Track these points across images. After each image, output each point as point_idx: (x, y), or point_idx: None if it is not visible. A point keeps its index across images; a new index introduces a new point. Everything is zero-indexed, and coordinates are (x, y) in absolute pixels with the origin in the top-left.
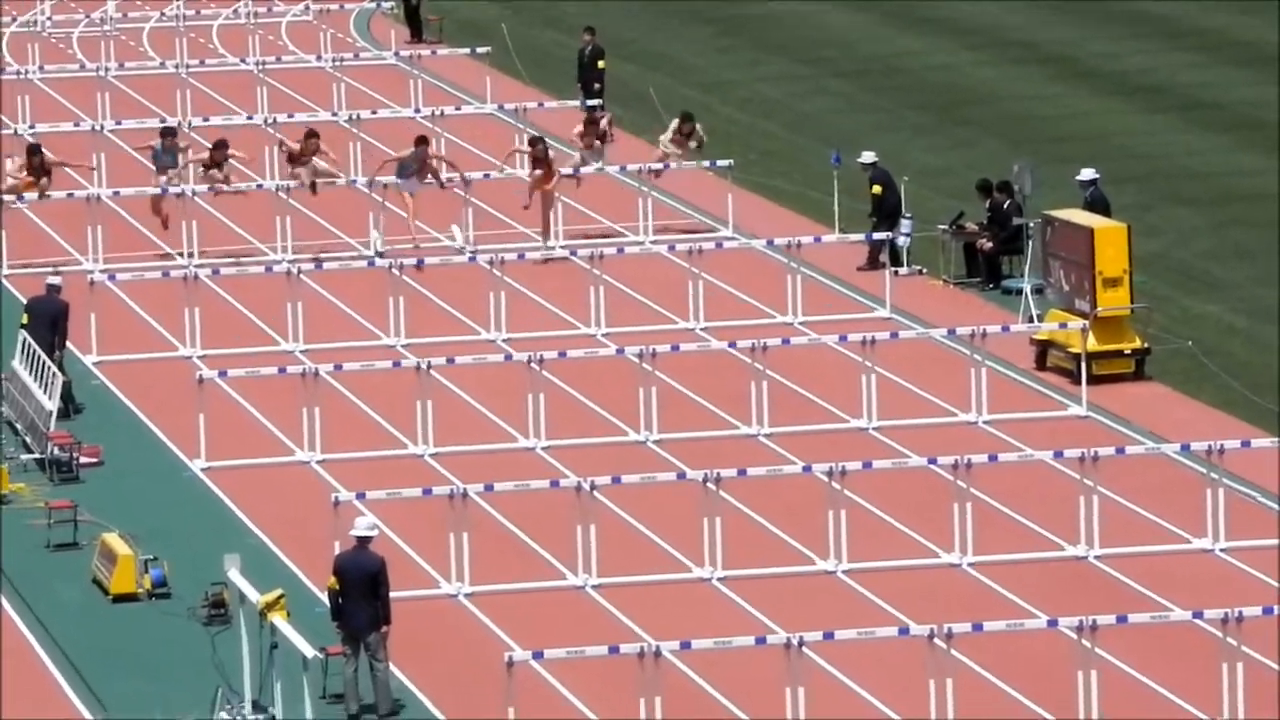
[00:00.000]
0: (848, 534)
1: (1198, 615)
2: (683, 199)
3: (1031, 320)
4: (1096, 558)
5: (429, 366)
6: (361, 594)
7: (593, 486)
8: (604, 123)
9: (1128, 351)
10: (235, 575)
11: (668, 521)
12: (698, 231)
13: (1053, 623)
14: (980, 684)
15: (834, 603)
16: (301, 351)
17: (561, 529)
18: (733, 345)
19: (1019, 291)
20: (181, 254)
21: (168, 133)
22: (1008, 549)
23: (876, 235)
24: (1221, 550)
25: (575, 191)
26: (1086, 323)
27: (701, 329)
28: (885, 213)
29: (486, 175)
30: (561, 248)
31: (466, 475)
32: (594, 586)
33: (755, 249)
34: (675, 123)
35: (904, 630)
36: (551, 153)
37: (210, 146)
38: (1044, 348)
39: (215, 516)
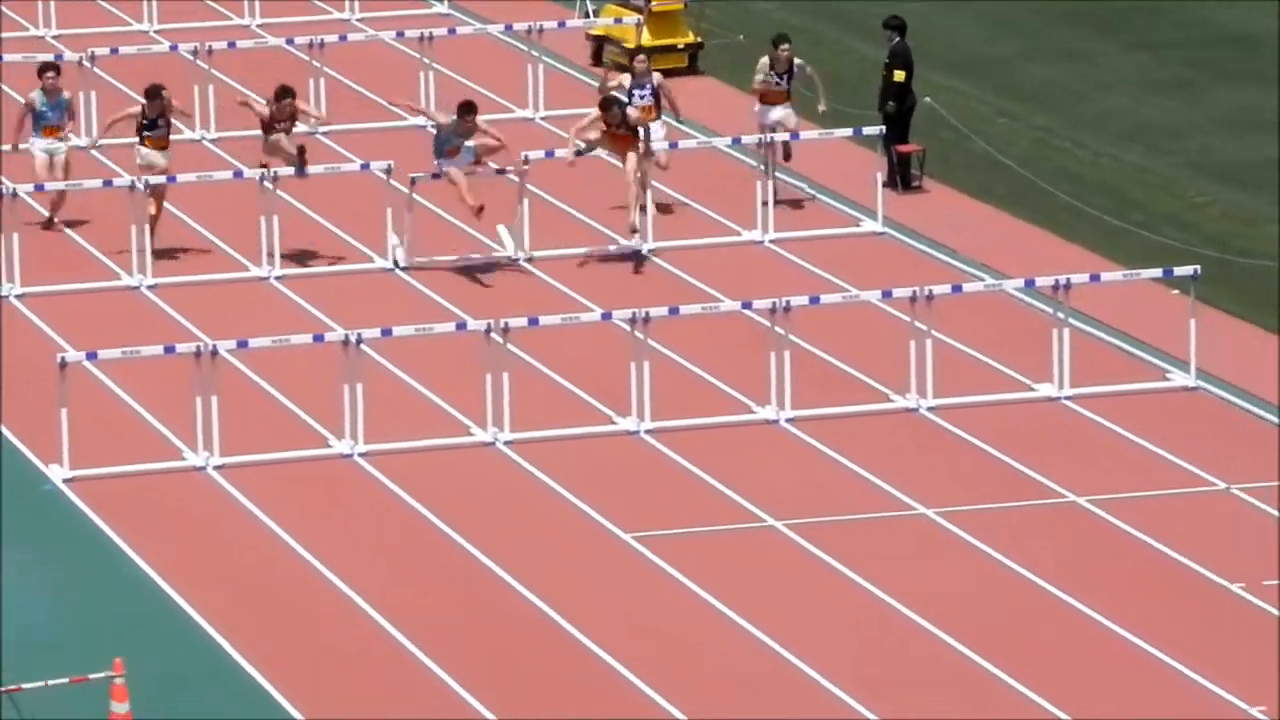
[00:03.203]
0: (409, 231)
1: (746, 305)
2: None
3: (588, 16)
4: (650, 251)
5: None
6: None
7: (147, 186)
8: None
9: (681, 46)
10: None
11: (225, 220)
12: None
13: (607, 315)
14: (536, 376)
15: (393, 299)
16: None
17: (116, 230)
18: (290, 42)
19: None
20: None
21: (48, 70)
22: (564, 244)
23: None
24: (771, 241)
25: None
26: (641, 17)
27: (257, 26)
28: None
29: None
30: None
31: (15, 175)
32: (149, 287)
33: None
34: None
35: (461, 325)
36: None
37: (143, 98)
38: (600, 43)
39: None
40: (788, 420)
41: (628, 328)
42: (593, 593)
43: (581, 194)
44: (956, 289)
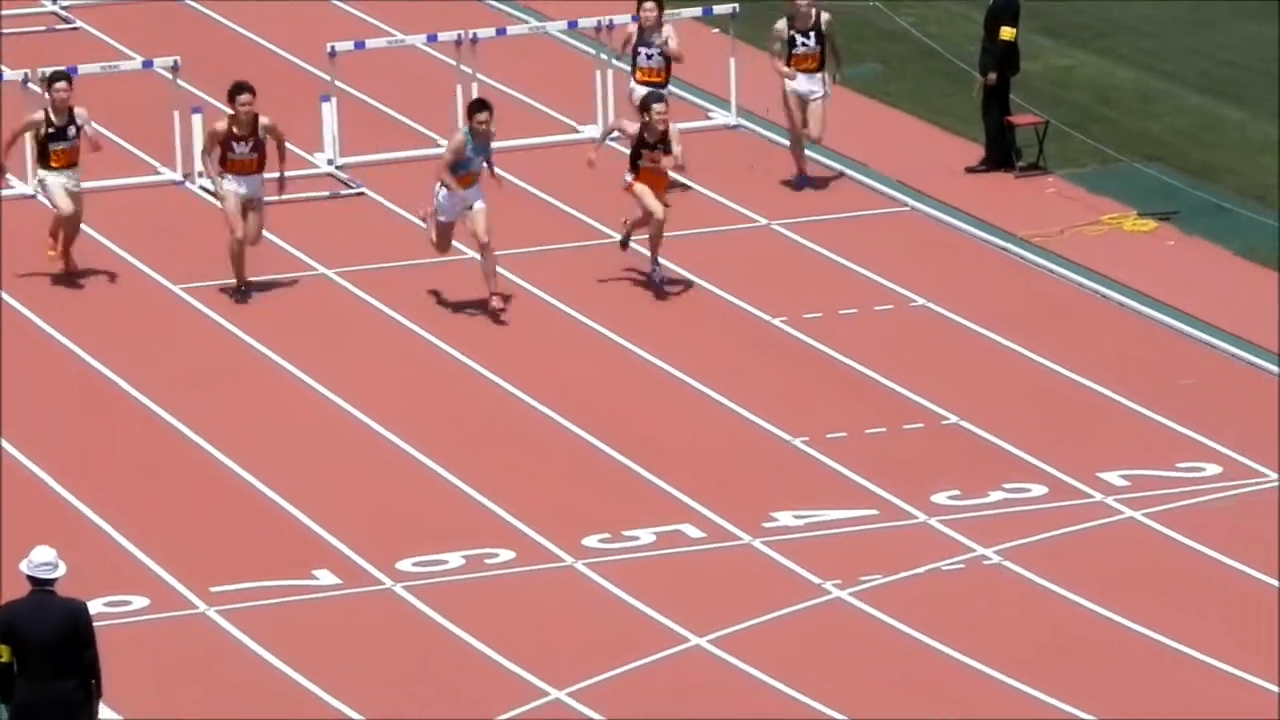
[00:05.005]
0: None
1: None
2: None
3: None
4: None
5: None
6: None
7: None
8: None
9: None
10: None
11: None
12: None
13: (148, 64)
14: None
15: None
16: None
17: None
18: None
19: None
20: None
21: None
22: None
23: None
24: None
25: None
26: None
27: None
28: None
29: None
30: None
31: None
32: None
33: None
34: None
35: None
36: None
37: (47, 79)
38: None
39: None
40: (338, 167)
41: (169, 76)
42: (142, 344)
43: None
44: (501, 32)
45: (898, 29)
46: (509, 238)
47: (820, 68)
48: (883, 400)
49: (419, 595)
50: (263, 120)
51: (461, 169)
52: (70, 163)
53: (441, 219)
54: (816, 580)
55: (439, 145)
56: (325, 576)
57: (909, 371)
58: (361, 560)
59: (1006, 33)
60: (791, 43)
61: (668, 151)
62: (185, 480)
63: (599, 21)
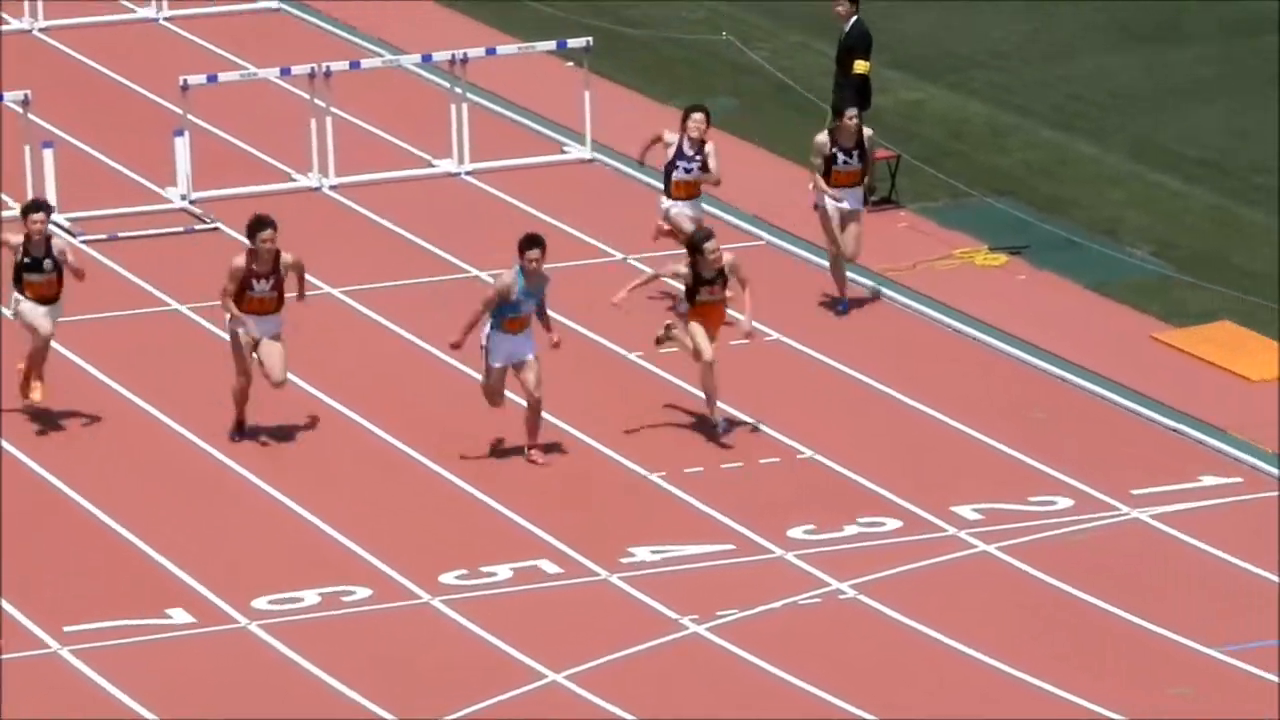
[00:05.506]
0: None
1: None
2: None
3: None
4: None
5: None
6: None
7: None
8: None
9: None
10: None
11: None
12: None
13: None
14: None
15: None
16: None
17: None
18: None
19: None
20: None
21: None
22: None
23: None
24: (165, 19)
25: None
26: None
27: None
28: None
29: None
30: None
31: None
32: None
33: None
34: None
35: None
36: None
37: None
38: None
39: None
40: (191, 202)
41: (20, 110)
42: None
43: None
44: (355, 65)
45: (750, 63)
46: (361, 271)
47: (860, 182)
48: (739, 435)
49: (274, 634)
50: (285, 257)
51: (510, 312)
52: (44, 297)
53: (493, 363)
54: (673, 615)
55: (294, 179)
56: (179, 615)
57: (764, 406)
58: (216, 599)
59: (861, 66)
60: (833, 160)
61: (725, 286)
62: (36, 518)
63: (453, 55)
